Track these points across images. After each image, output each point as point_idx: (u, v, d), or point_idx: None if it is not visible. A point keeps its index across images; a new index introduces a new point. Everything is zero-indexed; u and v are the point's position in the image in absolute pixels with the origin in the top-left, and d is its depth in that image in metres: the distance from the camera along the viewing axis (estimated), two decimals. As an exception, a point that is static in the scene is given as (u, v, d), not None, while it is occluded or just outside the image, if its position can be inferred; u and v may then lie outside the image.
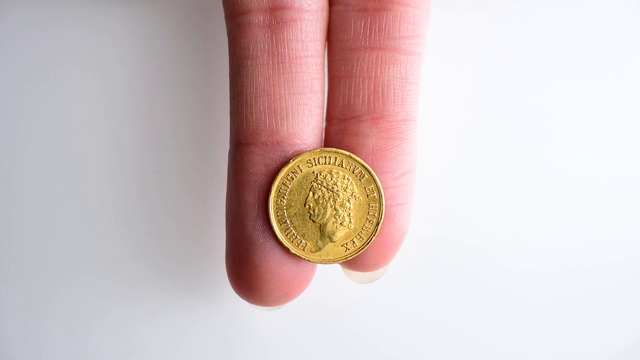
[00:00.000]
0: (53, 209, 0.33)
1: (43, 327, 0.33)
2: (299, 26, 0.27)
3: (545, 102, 0.33)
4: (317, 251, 0.27)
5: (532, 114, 0.33)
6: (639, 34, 0.33)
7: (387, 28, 0.27)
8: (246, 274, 0.28)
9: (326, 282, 0.32)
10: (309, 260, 0.27)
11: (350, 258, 0.28)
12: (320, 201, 0.27)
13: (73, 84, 0.33)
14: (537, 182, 0.33)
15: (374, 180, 0.27)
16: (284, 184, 0.27)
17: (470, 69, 0.33)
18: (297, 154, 0.27)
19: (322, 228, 0.27)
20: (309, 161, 0.27)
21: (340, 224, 0.27)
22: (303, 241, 0.27)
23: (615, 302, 0.33)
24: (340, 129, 0.28)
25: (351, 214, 0.27)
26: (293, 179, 0.27)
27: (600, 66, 0.33)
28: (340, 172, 0.27)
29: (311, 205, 0.27)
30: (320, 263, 0.27)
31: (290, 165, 0.27)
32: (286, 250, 0.27)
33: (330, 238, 0.27)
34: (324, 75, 0.28)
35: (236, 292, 0.29)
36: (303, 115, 0.27)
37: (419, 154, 0.29)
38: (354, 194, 0.27)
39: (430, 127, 0.32)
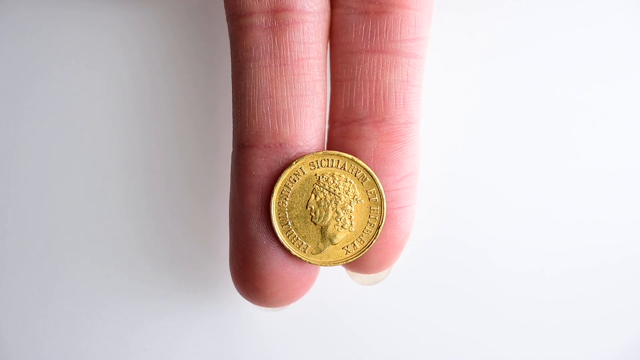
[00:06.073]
0: (54, 208, 0.33)
1: (43, 327, 0.33)
2: (301, 28, 0.27)
3: (548, 104, 0.33)
4: (317, 253, 0.27)
5: (535, 116, 0.33)
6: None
7: (388, 31, 0.27)
8: (250, 276, 0.28)
9: (329, 283, 0.33)
10: (309, 262, 0.27)
11: (350, 260, 0.28)
12: (322, 204, 0.27)
13: (73, 86, 0.33)
14: (541, 184, 0.33)
15: (376, 184, 0.27)
16: (286, 186, 0.27)
17: (473, 71, 0.33)
18: (300, 156, 0.27)
19: (323, 230, 0.27)
20: (311, 164, 0.27)
21: (342, 226, 0.27)
22: (304, 243, 0.27)
23: (617, 303, 0.33)
24: (342, 132, 0.28)
25: (352, 217, 0.27)
26: (295, 181, 0.27)
27: (604, 68, 0.33)
28: (343, 175, 0.27)
29: (313, 207, 0.27)
30: (321, 265, 0.28)
31: (292, 167, 0.27)
32: (289, 252, 0.27)
33: (331, 240, 0.27)
34: (326, 77, 0.28)
35: (240, 293, 0.29)
36: (305, 117, 0.27)
37: (422, 156, 0.29)
38: (355, 197, 0.27)
39: (432, 129, 0.32)
